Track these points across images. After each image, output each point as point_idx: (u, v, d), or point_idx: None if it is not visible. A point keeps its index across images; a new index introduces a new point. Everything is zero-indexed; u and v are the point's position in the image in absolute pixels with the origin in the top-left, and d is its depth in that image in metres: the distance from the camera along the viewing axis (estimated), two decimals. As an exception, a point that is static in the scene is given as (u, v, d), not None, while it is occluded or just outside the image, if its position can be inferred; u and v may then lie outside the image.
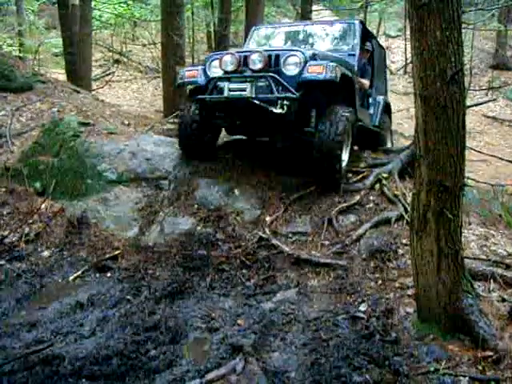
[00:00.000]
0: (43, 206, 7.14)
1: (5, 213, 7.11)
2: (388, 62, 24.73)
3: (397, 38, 26.59)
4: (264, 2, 14.46)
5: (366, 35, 8.72)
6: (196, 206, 6.92)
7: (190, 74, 7.14)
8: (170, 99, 13.01)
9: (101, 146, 7.69)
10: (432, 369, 4.15)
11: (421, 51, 4.07)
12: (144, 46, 22.98)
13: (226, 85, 6.57)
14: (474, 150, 10.78)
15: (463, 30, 4.09)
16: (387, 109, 9.79)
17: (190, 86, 7.68)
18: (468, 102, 12.14)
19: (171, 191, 7.17)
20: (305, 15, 14.99)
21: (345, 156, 6.95)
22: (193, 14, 19.99)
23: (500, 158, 11.43)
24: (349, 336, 4.67)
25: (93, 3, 15.88)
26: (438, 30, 3.96)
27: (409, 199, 6.00)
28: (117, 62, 21.46)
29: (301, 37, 8.80)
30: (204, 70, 6.98)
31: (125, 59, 22.10)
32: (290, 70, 6.52)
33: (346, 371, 4.20)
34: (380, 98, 9.34)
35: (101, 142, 7.83)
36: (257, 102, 6.42)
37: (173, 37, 12.40)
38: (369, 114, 8.74)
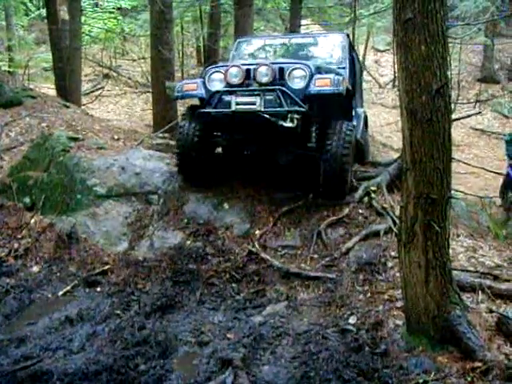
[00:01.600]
0: (32, 221, 7.11)
1: (-7, 228, 7.09)
2: (377, 76, 24.95)
3: (385, 52, 26.79)
4: (253, 17, 14.51)
5: (350, 47, 8.65)
6: (185, 220, 6.92)
7: (189, 87, 6.91)
8: (159, 114, 13.01)
9: (90, 161, 7.68)
10: (421, 381, 4.16)
11: (406, 65, 4.14)
12: (134, 60, 23.00)
13: (232, 98, 6.39)
14: (463, 162, 10.87)
15: (451, 44, 4.16)
16: (365, 121, 9.79)
17: (195, 101, 7.39)
18: (456, 115, 12.26)
19: (161, 206, 7.17)
20: (294, 30, 15.09)
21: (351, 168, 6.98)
22: (182, 28, 20.10)
23: (488, 171, 11.55)
24: (338, 349, 4.68)
25: (82, 18, 15.91)
26: (422, 44, 4.02)
27: (397, 212, 6.03)
28: (106, 76, 21.45)
29: (287, 50, 8.71)
30: (203, 83, 6.77)
31: (114, 74, 22.10)
32: (296, 83, 6.44)
33: (336, 384, 4.21)
34: (361, 111, 9.33)
35: (90, 156, 7.83)
36: (267, 115, 6.30)
37: (162, 51, 12.43)
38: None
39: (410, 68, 4.10)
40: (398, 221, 5.17)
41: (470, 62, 24.99)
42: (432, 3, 3.95)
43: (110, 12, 20.81)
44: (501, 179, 10.64)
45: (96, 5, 22.32)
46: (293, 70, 6.49)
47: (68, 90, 13.70)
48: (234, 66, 6.65)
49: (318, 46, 8.67)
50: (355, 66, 8.95)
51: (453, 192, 4.85)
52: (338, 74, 6.87)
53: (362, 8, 22.41)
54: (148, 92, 17.81)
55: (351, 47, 8.77)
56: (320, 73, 6.63)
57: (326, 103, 6.90)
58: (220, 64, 7.54)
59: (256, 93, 6.36)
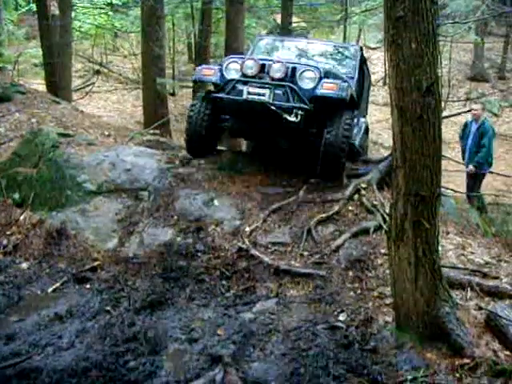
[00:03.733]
0: (22, 217, 7.08)
1: (-18, 224, 7.04)
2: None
3: (377, 50, 26.84)
4: (244, 14, 14.51)
5: (362, 60, 9.16)
6: (176, 216, 6.90)
7: (207, 72, 7.57)
8: (150, 110, 13.01)
9: (80, 157, 7.65)
10: (410, 377, 4.18)
11: (397, 63, 4.14)
12: (124, 56, 22.95)
13: (245, 88, 6.96)
14: (453, 160, 10.91)
15: (442, 42, 4.17)
16: (366, 130, 10.32)
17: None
18: (446, 113, 12.28)
19: (151, 202, 7.15)
20: (285, 27, 15.09)
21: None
22: (173, 25, 20.03)
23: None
24: (328, 345, 4.69)
25: (73, 14, 15.84)
26: (413, 42, 4.03)
27: (387, 209, 6.04)
28: (97, 72, 21.38)
29: (303, 53, 9.22)
30: (220, 70, 7.33)
31: (105, 70, 22.04)
32: (306, 83, 7.01)
33: (325, 380, 4.23)
34: (362, 120, 9.89)
35: (80, 152, 7.79)
36: (273, 108, 6.82)
37: (153, 48, 12.42)
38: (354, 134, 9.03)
39: (401, 65, 4.11)
40: (387, 218, 5.19)
41: (460, 61, 25.12)
42: (423, 1, 3.95)
43: (101, 8, 20.74)
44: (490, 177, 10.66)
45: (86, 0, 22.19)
46: (304, 71, 7.07)
47: (58, 85, 13.62)
48: (250, 58, 7.35)
49: (332, 53, 9.25)
50: (365, 78, 9.44)
51: (442, 189, 4.87)
52: (345, 81, 7.39)
53: (353, 5, 22.43)
54: (139, 88, 17.77)
55: (363, 60, 9.30)
56: (328, 77, 7.20)
57: (330, 105, 7.25)
58: (238, 55, 8.26)
59: (267, 86, 6.96)
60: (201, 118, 7.64)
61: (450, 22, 11.95)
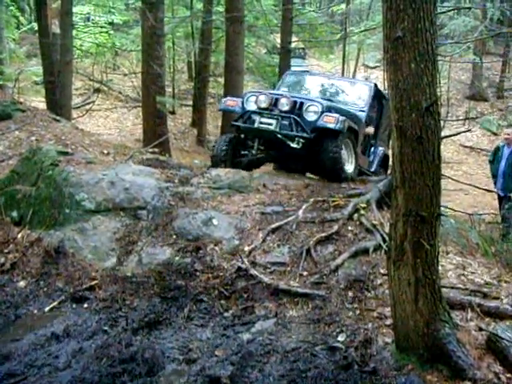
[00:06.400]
0: (20, 235, 7.05)
1: (-20, 242, 7.00)
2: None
3: (375, 69, 27.02)
4: (244, 33, 14.62)
5: (378, 95, 10.18)
6: (174, 236, 6.86)
7: (231, 103, 9.09)
8: (149, 129, 13.04)
9: (79, 176, 7.61)
10: (410, 400, 4.14)
11: (396, 83, 4.14)
12: (125, 75, 23.06)
13: (257, 118, 8.28)
14: (452, 179, 10.90)
15: (440, 62, 4.18)
16: (385, 160, 10.85)
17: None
18: (446, 132, 12.32)
19: (149, 221, 7.12)
20: (285, 46, 15.19)
21: (348, 162, 8.57)
22: (173, 43, 20.16)
23: (477, 187, 11.58)
24: (327, 367, 4.65)
25: (74, 32, 15.92)
26: (412, 62, 4.03)
27: (387, 229, 6.01)
28: (97, 91, 21.47)
29: (324, 87, 10.48)
30: (242, 103, 8.67)
31: (105, 88, 22.14)
32: (310, 115, 8.17)
33: (324, 403, 4.18)
34: (380, 150, 10.64)
35: (79, 171, 7.76)
36: (279, 135, 8.12)
37: (153, 66, 12.48)
38: (368, 161, 10.14)
39: (400, 86, 4.12)
40: (387, 238, 5.16)
41: (459, 80, 25.26)
42: (422, 22, 3.97)
43: (102, 26, 20.87)
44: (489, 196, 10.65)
45: (88, 19, 22.35)
46: (309, 105, 8.25)
47: (58, 103, 13.67)
48: (263, 94, 8.50)
49: (348, 89, 10.40)
50: (383, 112, 10.33)
51: (442, 209, 4.85)
52: (347, 115, 8.44)
53: (352, 25, 22.59)
54: (138, 107, 17.84)
55: (380, 96, 10.30)
56: (330, 111, 8.23)
57: (329, 133, 8.17)
58: (258, 90, 9.79)
59: (275, 117, 8.21)
60: (221, 149, 8.74)
61: (450, 41, 12.04)
